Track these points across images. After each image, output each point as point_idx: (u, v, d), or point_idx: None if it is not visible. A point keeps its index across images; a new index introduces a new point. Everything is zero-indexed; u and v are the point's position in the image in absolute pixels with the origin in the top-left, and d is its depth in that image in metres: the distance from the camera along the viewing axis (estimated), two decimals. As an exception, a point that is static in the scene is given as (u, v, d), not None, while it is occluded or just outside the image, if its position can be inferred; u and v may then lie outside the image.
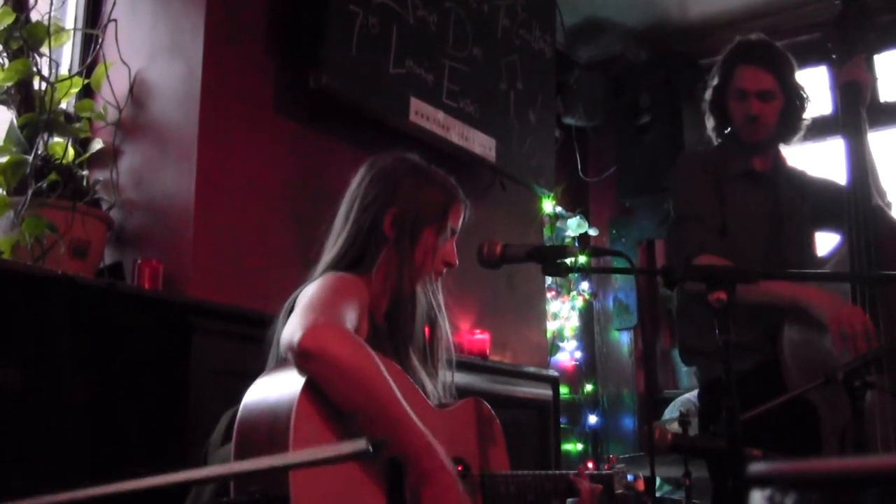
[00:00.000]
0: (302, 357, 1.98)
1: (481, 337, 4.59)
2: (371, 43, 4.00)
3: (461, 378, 2.65)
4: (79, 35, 3.73)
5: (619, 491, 2.64)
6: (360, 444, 1.19)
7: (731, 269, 2.59)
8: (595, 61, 6.57)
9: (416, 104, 4.21)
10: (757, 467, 0.86)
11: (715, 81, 3.53)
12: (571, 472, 2.59)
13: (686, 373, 5.99)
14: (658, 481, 4.81)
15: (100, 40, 3.67)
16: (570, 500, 2.52)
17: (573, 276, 5.96)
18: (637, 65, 6.44)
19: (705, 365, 3.42)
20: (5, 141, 3.36)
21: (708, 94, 3.56)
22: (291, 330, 2.02)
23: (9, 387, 2.77)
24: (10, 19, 3.32)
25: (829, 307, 3.03)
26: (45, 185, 3.23)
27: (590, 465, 5.58)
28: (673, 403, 5.25)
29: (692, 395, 4.80)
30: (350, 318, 2.15)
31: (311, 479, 1.90)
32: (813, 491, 0.81)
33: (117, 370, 3.05)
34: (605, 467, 2.76)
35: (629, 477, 2.69)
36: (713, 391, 3.30)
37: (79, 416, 2.95)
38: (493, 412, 2.52)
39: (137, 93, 3.66)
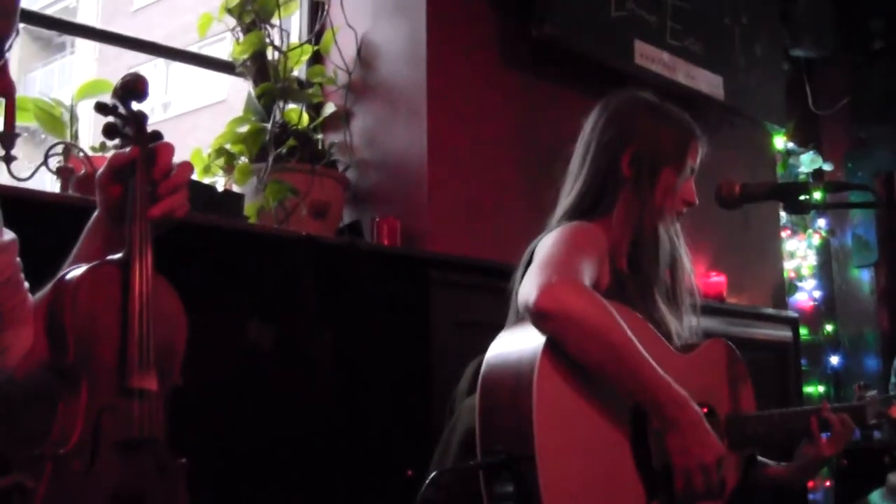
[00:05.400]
0: (539, 317, 1.97)
1: (717, 279, 4.52)
2: (591, -13, 3.96)
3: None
4: (306, 3, 3.83)
5: (873, 421, 2.51)
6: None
7: None
8: (821, -13, 6.29)
9: (640, 46, 4.14)
10: None
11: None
12: (820, 406, 2.49)
13: (934, 309, 5.74)
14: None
15: (326, 7, 3.77)
16: (823, 434, 2.43)
17: (810, 212, 5.77)
18: (867, -13, 6.14)
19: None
20: (245, 111, 3.51)
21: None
22: (527, 290, 2.01)
23: (265, 344, 2.91)
24: (241, -5, 3.46)
25: None
26: (284, 150, 3.36)
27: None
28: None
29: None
30: (587, 272, 2.12)
31: (556, 438, 1.91)
32: None
33: (360, 325, 3.15)
34: (856, 390, 2.61)
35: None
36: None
37: (327, 369, 3.06)
38: (737, 352, 2.47)
39: (365, 55, 3.75)
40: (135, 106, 1.73)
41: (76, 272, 1.61)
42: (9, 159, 2.52)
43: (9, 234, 1.77)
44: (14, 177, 2.55)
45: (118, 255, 1.66)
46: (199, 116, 17.93)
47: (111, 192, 1.73)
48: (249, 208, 3.24)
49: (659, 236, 2.40)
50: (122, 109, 1.71)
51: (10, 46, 1.52)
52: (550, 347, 1.96)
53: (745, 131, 5.02)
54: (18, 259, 1.79)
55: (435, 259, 3.32)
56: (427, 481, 1.85)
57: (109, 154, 1.82)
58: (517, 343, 2.03)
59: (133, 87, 1.72)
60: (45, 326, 1.61)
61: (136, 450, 1.57)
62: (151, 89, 1.75)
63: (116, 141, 1.73)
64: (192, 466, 1.69)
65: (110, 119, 1.71)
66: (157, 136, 1.73)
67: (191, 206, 1.78)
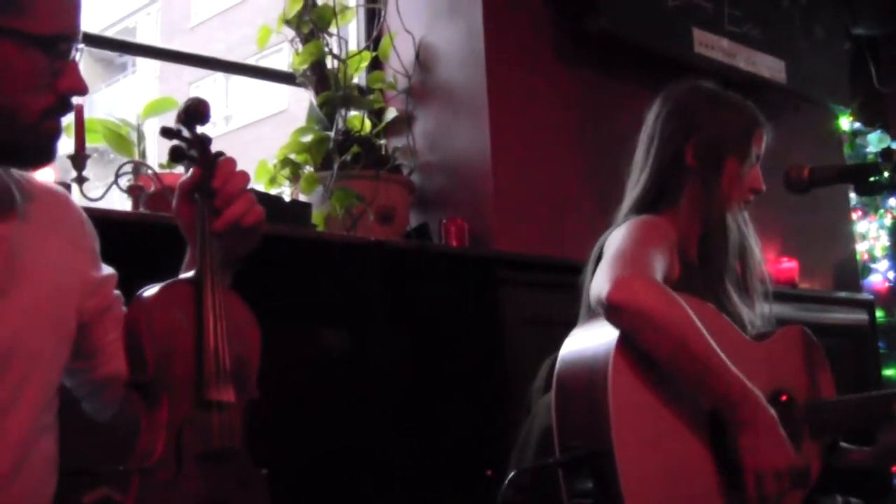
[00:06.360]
0: (611, 311, 1.97)
1: (789, 265, 4.47)
2: (644, -22, 3.94)
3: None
4: (362, 11, 3.85)
5: None
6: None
7: None
8: (881, -37, 6.18)
9: (698, 35, 4.11)
10: None
11: None
12: None
13: None
14: None
15: (382, 13, 3.78)
16: None
17: (881, 193, 5.67)
18: (928, -40, 6.02)
19: None
20: (308, 120, 3.55)
21: None
22: (599, 284, 2.01)
23: (339, 349, 2.93)
24: (299, 5, 3.49)
25: None
26: (348, 157, 3.39)
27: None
28: None
29: None
30: (658, 266, 2.12)
31: (633, 432, 1.91)
32: None
33: (432, 327, 3.16)
34: None
35: None
36: None
37: (401, 373, 3.08)
38: (814, 338, 2.45)
39: (423, 59, 3.76)
40: (198, 129, 1.76)
41: (151, 291, 1.64)
42: (81, 180, 2.59)
43: (108, 269, 1.82)
44: (86, 197, 2.60)
45: (191, 273, 1.69)
46: (260, 127, 18.16)
47: (185, 217, 1.76)
48: (317, 216, 3.27)
49: (727, 226, 2.38)
50: (186, 133, 1.74)
51: (76, 49, 1.55)
52: (624, 342, 1.96)
53: (810, 114, 4.95)
54: (118, 293, 1.83)
55: (503, 258, 3.33)
56: (507, 481, 1.86)
57: (177, 170, 1.85)
58: (590, 339, 2.03)
59: (195, 112, 1.75)
60: (124, 345, 1.64)
61: (217, 461, 1.59)
62: (213, 103, 1.78)
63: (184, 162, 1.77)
64: (271, 475, 1.72)
65: (175, 143, 1.74)
66: (221, 157, 1.76)
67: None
